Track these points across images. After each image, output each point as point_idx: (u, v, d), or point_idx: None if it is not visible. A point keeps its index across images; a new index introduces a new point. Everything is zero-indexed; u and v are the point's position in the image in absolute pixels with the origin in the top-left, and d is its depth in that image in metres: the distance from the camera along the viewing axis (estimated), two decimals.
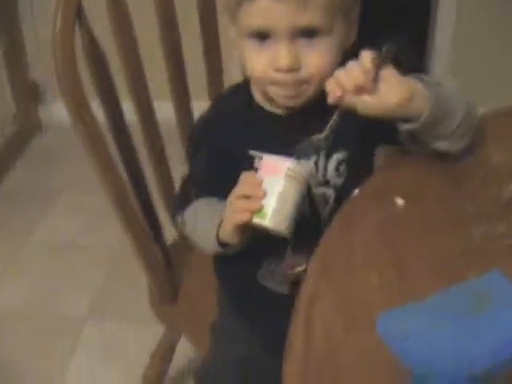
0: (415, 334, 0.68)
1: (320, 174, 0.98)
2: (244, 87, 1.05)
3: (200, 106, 1.11)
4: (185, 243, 1.36)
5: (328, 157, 0.98)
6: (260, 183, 0.85)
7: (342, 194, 0.98)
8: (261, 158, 0.89)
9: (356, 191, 0.92)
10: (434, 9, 2.47)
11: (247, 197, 0.86)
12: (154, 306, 1.28)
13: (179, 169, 1.22)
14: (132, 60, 1.13)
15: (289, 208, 0.85)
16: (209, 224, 0.97)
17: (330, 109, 0.87)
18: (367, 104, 0.85)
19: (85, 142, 1.02)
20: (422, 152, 0.94)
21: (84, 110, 1.00)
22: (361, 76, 0.83)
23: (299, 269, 1.01)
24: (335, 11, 0.87)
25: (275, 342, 1.06)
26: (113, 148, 1.09)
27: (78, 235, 2.19)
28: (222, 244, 0.94)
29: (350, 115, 0.87)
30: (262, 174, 0.86)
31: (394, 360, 0.66)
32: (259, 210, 0.84)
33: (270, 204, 0.84)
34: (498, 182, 0.90)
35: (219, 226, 0.93)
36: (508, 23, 2.37)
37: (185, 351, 1.51)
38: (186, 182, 1.08)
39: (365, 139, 0.99)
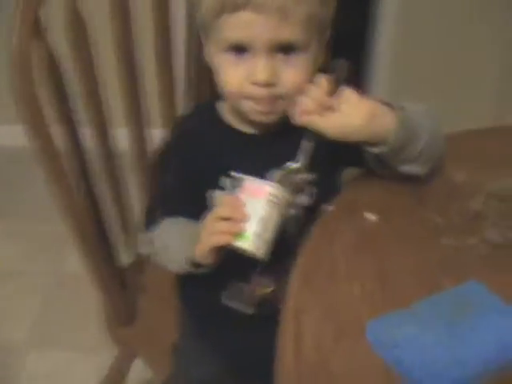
0: (404, 340, 0.69)
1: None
2: (207, 108, 1.05)
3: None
4: (138, 265, 1.35)
5: None
6: (242, 205, 0.84)
7: (311, 215, 0.99)
8: (241, 180, 0.88)
9: (330, 207, 0.93)
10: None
11: (226, 219, 0.85)
12: (109, 328, 1.25)
13: (135, 194, 1.26)
14: (90, 83, 1.12)
15: (269, 232, 0.85)
16: (179, 244, 0.95)
17: (301, 130, 0.89)
18: (331, 124, 0.87)
19: (42, 159, 1.01)
20: (390, 175, 0.97)
21: (40, 124, 0.98)
22: (319, 95, 0.85)
23: (267, 290, 1.01)
24: (313, 28, 0.89)
25: (240, 363, 1.06)
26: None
27: (16, 261, 2.13)
28: (195, 264, 0.93)
29: (318, 138, 0.89)
30: (242, 196, 0.86)
31: (386, 365, 0.68)
32: (240, 233, 0.84)
33: (252, 227, 0.84)
34: (461, 199, 0.93)
35: (193, 245, 0.91)
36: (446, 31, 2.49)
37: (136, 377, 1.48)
38: (154, 200, 1.06)
39: (333, 162, 1.01)
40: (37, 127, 0.98)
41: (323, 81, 0.86)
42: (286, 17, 0.85)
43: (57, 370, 1.74)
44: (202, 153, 1.00)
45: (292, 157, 0.90)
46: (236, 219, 0.84)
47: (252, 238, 0.84)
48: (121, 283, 1.23)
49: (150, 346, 1.21)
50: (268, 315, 0.99)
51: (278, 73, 0.89)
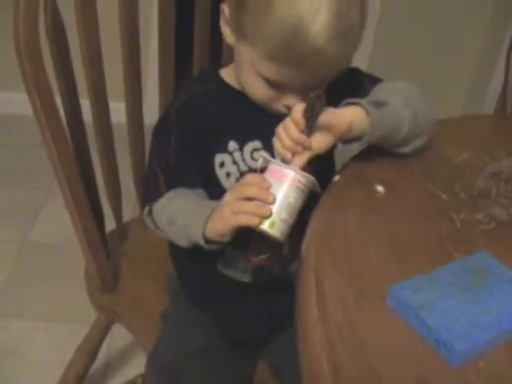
0: (428, 303, 0.71)
1: None
2: (210, 75, 1.04)
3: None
4: (121, 233, 1.34)
5: None
6: (269, 187, 0.84)
7: None
8: (268, 161, 0.87)
9: (337, 177, 0.95)
10: None
11: (251, 199, 0.84)
12: (92, 294, 1.24)
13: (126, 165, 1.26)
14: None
15: (293, 218, 0.85)
16: (187, 219, 0.93)
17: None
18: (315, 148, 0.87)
19: (42, 122, 1.00)
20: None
21: (43, 84, 0.98)
22: (298, 135, 0.84)
23: (263, 256, 1.02)
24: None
25: (237, 330, 1.07)
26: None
27: None
28: (208, 240, 0.91)
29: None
30: (268, 177, 0.85)
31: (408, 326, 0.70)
32: (267, 216, 0.84)
33: (280, 213, 0.83)
34: (462, 179, 0.96)
35: (206, 222, 0.90)
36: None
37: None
38: (154, 173, 1.02)
39: None
40: (40, 87, 0.97)
41: (297, 113, 0.85)
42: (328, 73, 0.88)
43: (22, 339, 1.71)
44: (208, 116, 0.99)
45: None
46: (263, 201, 0.83)
47: (278, 223, 0.84)
48: (105, 250, 1.22)
49: (134, 313, 1.21)
50: (263, 284, 1.01)
51: None
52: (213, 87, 1.02)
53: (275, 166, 0.86)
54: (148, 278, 1.26)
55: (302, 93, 0.89)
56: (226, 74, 1.02)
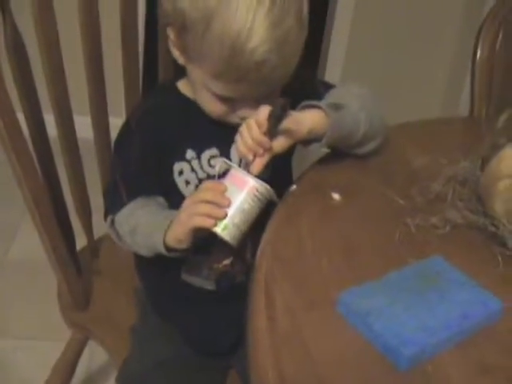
0: (375, 309, 0.71)
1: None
2: (168, 87, 1.06)
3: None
4: (92, 249, 1.34)
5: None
6: (224, 191, 0.86)
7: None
8: (228, 166, 0.89)
9: (294, 186, 0.95)
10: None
11: (209, 203, 0.86)
12: (64, 312, 1.24)
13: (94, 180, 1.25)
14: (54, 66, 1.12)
15: (247, 225, 0.87)
16: (152, 226, 0.95)
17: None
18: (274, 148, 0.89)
19: (5, 140, 1.00)
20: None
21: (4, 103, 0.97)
22: (260, 136, 0.86)
23: (226, 262, 1.03)
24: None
25: (203, 340, 1.07)
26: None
27: None
28: (168, 248, 0.93)
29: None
30: (226, 182, 0.87)
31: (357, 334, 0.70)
32: (221, 219, 0.85)
33: (233, 218, 0.85)
34: (419, 183, 0.97)
35: (167, 230, 0.91)
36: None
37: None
38: (115, 183, 1.03)
39: None
40: (1, 106, 0.98)
41: (263, 120, 0.86)
42: (270, 79, 0.89)
43: (3, 358, 1.70)
44: (167, 126, 1.01)
45: None
46: (218, 204, 0.85)
47: (231, 227, 0.86)
48: (77, 267, 1.22)
49: (106, 330, 1.21)
50: (227, 292, 1.01)
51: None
52: (171, 98, 1.04)
53: (236, 172, 0.88)
54: (120, 293, 1.26)
55: (255, 104, 0.90)
56: (183, 86, 1.03)
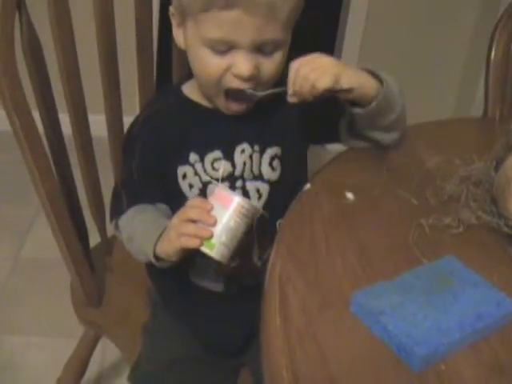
0: (389, 308, 0.72)
1: (255, 167, 1.01)
2: (172, 90, 1.06)
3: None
4: (105, 247, 1.35)
5: (262, 152, 1.01)
6: (210, 209, 0.86)
7: (276, 188, 1.02)
8: (214, 186, 0.91)
9: (308, 185, 0.95)
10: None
11: (195, 221, 0.86)
12: (77, 310, 1.24)
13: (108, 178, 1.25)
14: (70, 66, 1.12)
15: (235, 242, 0.88)
16: (145, 237, 0.95)
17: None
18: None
19: (22, 141, 1.01)
20: (355, 147, 1.03)
21: (21, 104, 0.99)
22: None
23: (233, 264, 1.03)
24: (292, 24, 0.91)
25: (214, 340, 1.08)
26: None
27: None
28: (158, 259, 0.93)
29: (280, 113, 0.93)
30: (212, 200, 0.88)
31: (371, 333, 0.70)
32: (208, 238, 0.86)
33: (220, 237, 0.86)
34: (433, 183, 0.97)
35: (157, 240, 0.92)
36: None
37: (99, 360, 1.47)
38: (118, 189, 1.04)
39: (297, 136, 1.03)
40: (18, 107, 0.99)
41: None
42: (274, 16, 0.86)
43: (15, 356, 1.71)
44: (169, 131, 1.00)
45: (257, 132, 0.96)
46: (204, 222, 0.85)
47: (218, 245, 0.86)
48: (90, 264, 1.23)
49: (119, 327, 1.21)
50: (236, 293, 1.01)
51: (259, 67, 0.91)
52: (173, 101, 1.04)
53: (221, 191, 0.89)
54: (133, 290, 1.27)
55: (251, 55, 0.89)
56: (187, 89, 1.03)
